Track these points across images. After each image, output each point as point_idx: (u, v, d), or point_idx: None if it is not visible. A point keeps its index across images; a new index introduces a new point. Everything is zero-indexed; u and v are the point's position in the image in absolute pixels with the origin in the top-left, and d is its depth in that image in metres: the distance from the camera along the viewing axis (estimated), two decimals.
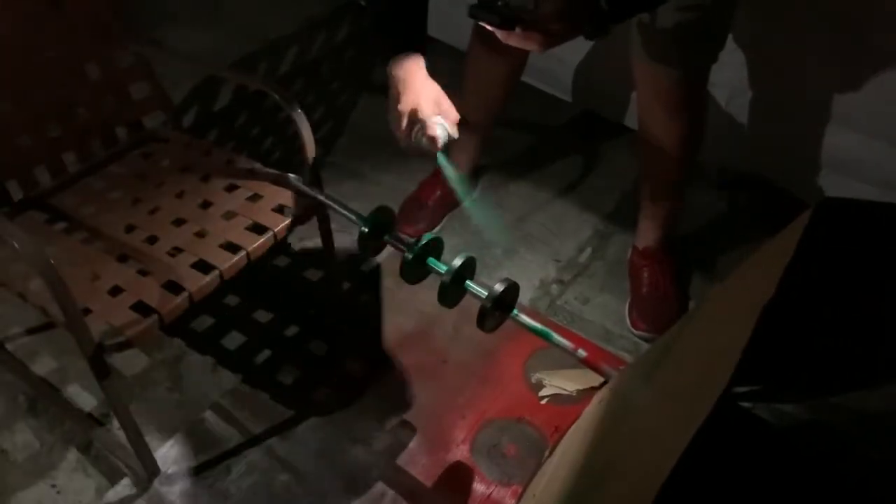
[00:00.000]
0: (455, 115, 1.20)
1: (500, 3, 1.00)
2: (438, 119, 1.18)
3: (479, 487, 1.41)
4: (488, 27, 1.04)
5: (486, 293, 1.10)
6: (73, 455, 1.47)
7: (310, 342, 1.68)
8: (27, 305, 1.28)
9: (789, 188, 1.88)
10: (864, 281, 0.74)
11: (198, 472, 1.43)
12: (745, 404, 1.01)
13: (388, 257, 1.76)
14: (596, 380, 1.46)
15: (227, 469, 1.44)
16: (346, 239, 1.79)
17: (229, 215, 1.41)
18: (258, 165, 1.53)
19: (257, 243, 1.34)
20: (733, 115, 1.87)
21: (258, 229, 1.37)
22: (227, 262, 1.31)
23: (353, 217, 1.23)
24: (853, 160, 1.73)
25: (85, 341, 1.17)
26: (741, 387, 0.95)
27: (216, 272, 1.29)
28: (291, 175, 1.38)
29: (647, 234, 1.73)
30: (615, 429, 0.86)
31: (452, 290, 1.13)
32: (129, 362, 1.61)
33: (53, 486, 1.42)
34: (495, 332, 1.16)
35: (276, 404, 1.55)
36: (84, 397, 1.56)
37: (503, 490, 1.40)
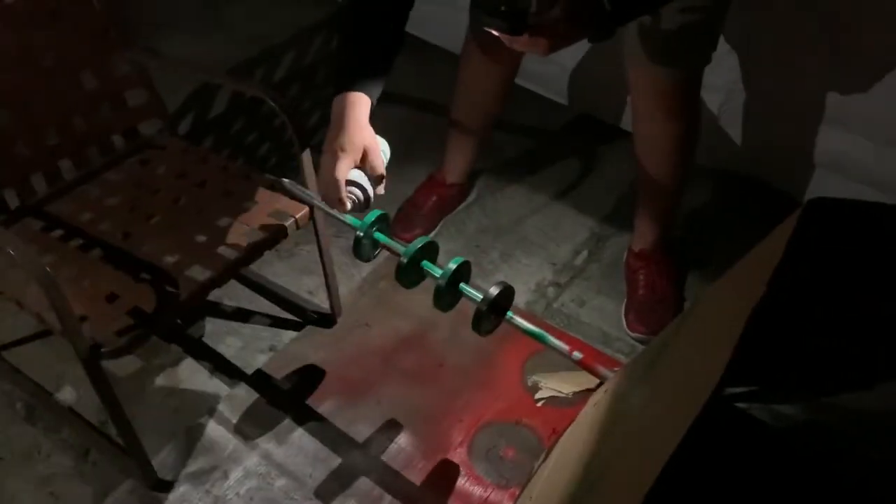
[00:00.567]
0: (380, 171, 1.14)
1: (503, 9, 0.99)
2: (356, 174, 1.13)
3: (476, 490, 1.41)
4: (495, 32, 1.03)
5: (482, 296, 1.10)
6: (70, 462, 1.47)
7: (306, 347, 1.68)
8: (24, 313, 1.28)
9: (785, 189, 1.89)
10: (853, 280, 0.74)
11: (195, 477, 1.43)
12: (741, 405, 1.01)
13: (383, 262, 1.77)
14: (592, 382, 1.46)
15: (225, 474, 1.44)
16: (341, 244, 1.80)
17: (225, 221, 1.41)
18: (254, 171, 1.54)
19: (253, 248, 1.35)
20: (729, 116, 1.88)
21: (254, 234, 1.37)
22: (223, 268, 1.31)
23: (349, 222, 1.23)
24: (848, 161, 1.74)
25: (81, 348, 1.18)
26: (735, 387, 0.95)
27: (211, 277, 1.29)
28: (287, 180, 1.39)
29: (643, 237, 1.73)
30: (611, 430, 0.86)
31: (447, 294, 1.14)
32: (126, 368, 1.61)
33: (51, 493, 1.43)
34: (492, 336, 1.16)
35: (273, 409, 1.55)
36: (81, 404, 1.56)
37: (501, 493, 1.40)
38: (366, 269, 1.82)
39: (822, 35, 1.62)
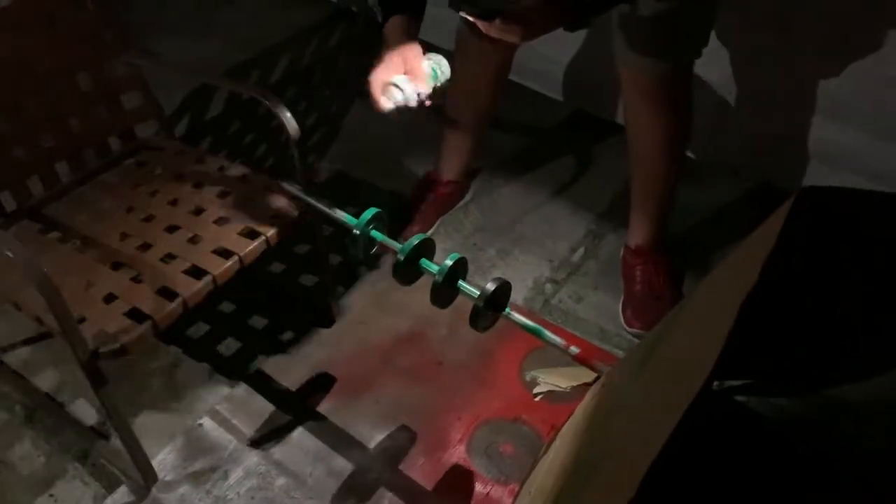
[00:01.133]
0: (422, 74, 1.18)
1: None
2: (399, 79, 1.16)
3: (476, 487, 1.41)
4: (469, 18, 1.04)
5: (479, 293, 1.10)
6: (70, 464, 1.47)
7: (305, 346, 1.68)
8: (22, 316, 1.28)
9: (781, 182, 1.89)
10: (846, 268, 0.74)
11: (196, 478, 1.44)
12: (739, 398, 1.02)
13: (381, 260, 1.77)
14: (589, 376, 1.46)
15: (225, 475, 1.44)
16: (339, 243, 1.80)
17: (222, 221, 1.42)
18: (250, 172, 1.54)
19: (250, 248, 1.35)
20: (722, 110, 1.88)
21: (251, 235, 1.38)
22: (221, 268, 1.31)
23: (346, 220, 1.23)
24: (844, 153, 1.74)
25: (80, 349, 1.18)
26: (729, 379, 0.96)
27: (209, 278, 1.30)
28: (284, 181, 1.39)
29: (639, 233, 1.73)
30: (607, 422, 0.87)
31: (445, 291, 1.14)
32: (126, 370, 1.61)
33: (52, 495, 1.43)
34: (490, 333, 1.16)
35: (272, 409, 1.55)
36: (81, 407, 1.56)
37: (500, 489, 1.40)
38: (363, 267, 1.82)
39: (817, 27, 1.63)
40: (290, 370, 1.63)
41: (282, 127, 1.41)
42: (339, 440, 1.49)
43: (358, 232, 1.21)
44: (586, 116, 2.17)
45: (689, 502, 0.90)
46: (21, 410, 1.57)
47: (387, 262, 1.78)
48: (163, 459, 1.46)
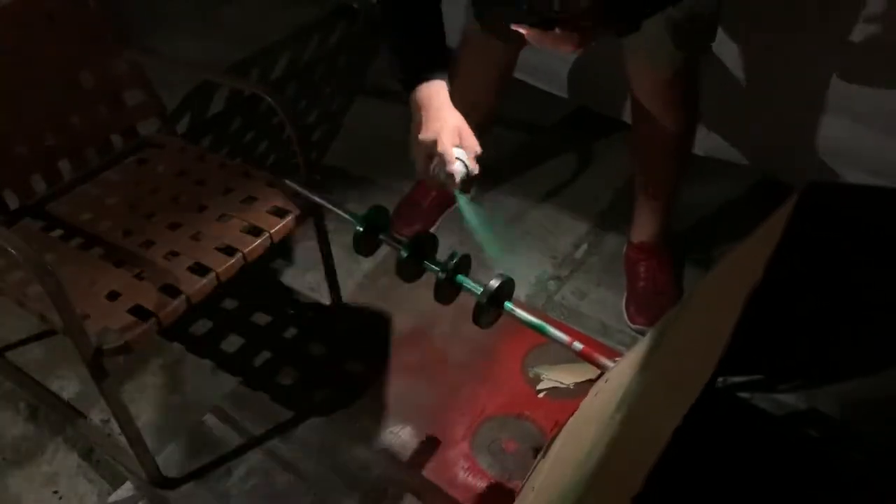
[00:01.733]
0: (476, 148, 1.15)
1: (525, 6, 0.96)
2: (458, 152, 1.13)
3: (479, 483, 1.41)
4: (520, 30, 1.01)
5: (482, 289, 1.10)
6: (74, 461, 1.48)
7: (308, 343, 1.68)
8: (25, 313, 1.29)
9: (786, 179, 1.88)
10: (850, 264, 0.74)
11: (199, 474, 1.44)
12: (743, 394, 1.02)
13: (384, 256, 1.77)
14: (593, 372, 1.46)
15: (229, 471, 1.44)
16: (342, 239, 1.79)
17: (225, 218, 1.42)
18: (253, 169, 1.54)
19: (253, 245, 1.35)
20: (727, 107, 1.87)
21: (254, 231, 1.38)
22: (224, 265, 1.31)
23: (349, 217, 1.23)
24: (848, 149, 1.74)
25: (84, 346, 1.18)
26: (733, 375, 0.96)
27: (213, 274, 1.30)
28: (286, 178, 1.39)
29: (642, 229, 1.73)
30: (611, 419, 0.87)
31: (448, 287, 1.14)
32: (129, 367, 1.62)
33: (56, 492, 1.43)
34: (493, 330, 1.16)
35: (276, 405, 1.55)
36: (84, 403, 1.57)
37: (503, 485, 1.40)
38: (366, 264, 1.82)
39: (821, 23, 1.62)
40: (292, 367, 1.63)
41: (283, 124, 1.41)
42: (343, 437, 1.49)
43: (361, 228, 1.21)
44: (589, 113, 2.17)
45: (694, 498, 0.90)
46: (25, 407, 1.58)
47: (390, 259, 1.77)
48: (166, 456, 1.46)
